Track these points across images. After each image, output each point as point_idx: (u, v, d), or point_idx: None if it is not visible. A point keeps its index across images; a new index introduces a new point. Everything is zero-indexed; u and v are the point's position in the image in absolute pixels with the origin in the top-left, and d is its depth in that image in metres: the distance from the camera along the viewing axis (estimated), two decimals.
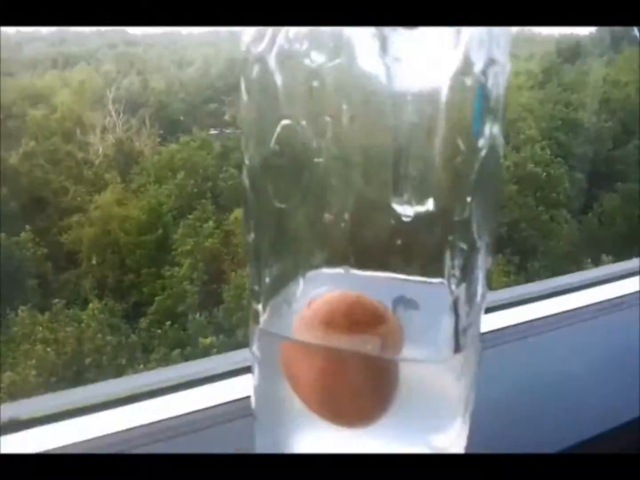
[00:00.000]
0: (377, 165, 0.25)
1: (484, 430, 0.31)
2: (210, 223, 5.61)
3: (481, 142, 0.24)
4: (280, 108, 0.25)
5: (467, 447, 0.30)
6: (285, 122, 0.25)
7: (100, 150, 6.32)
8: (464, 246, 0.24)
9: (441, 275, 0.24)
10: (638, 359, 0.40)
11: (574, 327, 0.44)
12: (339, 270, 0.27)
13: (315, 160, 0.25)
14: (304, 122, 0.24)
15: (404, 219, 0.24)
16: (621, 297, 0.47)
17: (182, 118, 7.00)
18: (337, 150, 0.25)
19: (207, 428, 0.34)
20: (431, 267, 0.25)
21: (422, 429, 0.26)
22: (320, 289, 0.27)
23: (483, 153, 0.24)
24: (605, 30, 7.74)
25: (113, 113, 6.59)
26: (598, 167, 6.72)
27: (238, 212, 5.51)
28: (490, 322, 0.44)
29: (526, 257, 5.76)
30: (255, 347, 0.28)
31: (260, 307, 0.28)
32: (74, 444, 0.33)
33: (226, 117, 6.91)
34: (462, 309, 0.25)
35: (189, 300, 5.09)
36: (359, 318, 0.26)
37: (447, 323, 0.25)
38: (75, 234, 5.58)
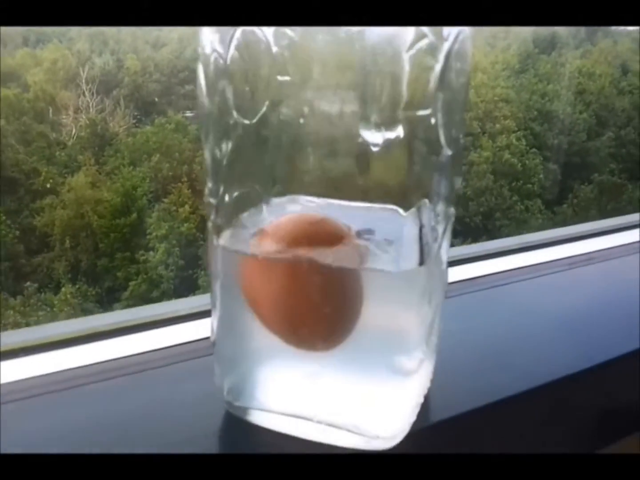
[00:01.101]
0: (345, 89, 0.24)
1: (452, 370, 0.31)
2: (186, 207, 5.56)
3: (445, 30, 0.23)
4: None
5: (432, 387, 0.30)
6: (245, 27, 0.23)
7: (74, 131, 6.21)
8: (430, 151, 0.24)
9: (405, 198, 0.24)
10: (602, 311, 0.42)
11: (546, 278, 0.46)
12: (302, 197, 0.26)
13: (279, 78, 0.24)
14: (267, 33, 0.23)
15: (373, 148, 0.23)
16: (590, 253, 0.50)
17: (156, 99, 6.89)
18: (302, 70, 0.24)
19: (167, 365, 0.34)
20: (397, 191, 0.24)
21: (386, 350, 0.26)
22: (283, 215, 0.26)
23: (448, 43, 0.24)
24: None
25: (86, 93, 6.47)
26: (572, 159, 6.83)
27: None
28: (467, 271, 0.45)
29: None
30: (215, 266, 0.28)
31: (219, 221, 0.27)
32: (38, 377, 0.33)
33: None
34: (427, 221, 0.25)
35: (164, 286, 5.04)
36: (321, 236, 0.25)
37: (411, 236, 0.25)
38: (48, 216, 5.48)
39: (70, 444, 0.28)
